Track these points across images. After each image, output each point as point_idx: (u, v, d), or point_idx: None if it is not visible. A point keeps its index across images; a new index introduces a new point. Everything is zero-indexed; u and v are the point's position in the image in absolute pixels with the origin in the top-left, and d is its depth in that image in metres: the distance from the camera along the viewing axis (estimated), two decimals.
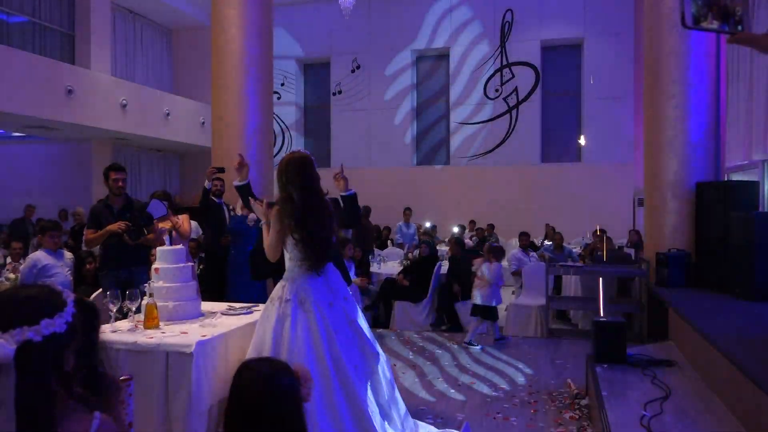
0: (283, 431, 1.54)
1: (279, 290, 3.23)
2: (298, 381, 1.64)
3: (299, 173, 3.18)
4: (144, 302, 3.29)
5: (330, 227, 3.23)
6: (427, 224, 12.46)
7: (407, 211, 11.88)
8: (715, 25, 0.97)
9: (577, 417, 4.24)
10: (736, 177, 10.00)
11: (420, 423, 3.72)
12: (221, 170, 6.44)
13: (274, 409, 1.53)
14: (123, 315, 3.44)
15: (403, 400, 4.22)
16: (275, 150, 14.24)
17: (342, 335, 3.15)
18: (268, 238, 3.24)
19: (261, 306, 3.89)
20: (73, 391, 1.30)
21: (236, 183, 3.86)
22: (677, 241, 6.43)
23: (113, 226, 4.79)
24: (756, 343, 3.59)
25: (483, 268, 6.49)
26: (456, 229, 11.70)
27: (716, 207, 5.99)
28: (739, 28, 0.98)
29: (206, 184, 6.38)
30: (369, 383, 3.21)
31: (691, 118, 6.44)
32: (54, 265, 5.46)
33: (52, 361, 1.24)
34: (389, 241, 11.59)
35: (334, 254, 3.36)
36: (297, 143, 15.34)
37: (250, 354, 3.14)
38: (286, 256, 3.26)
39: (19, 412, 1.17)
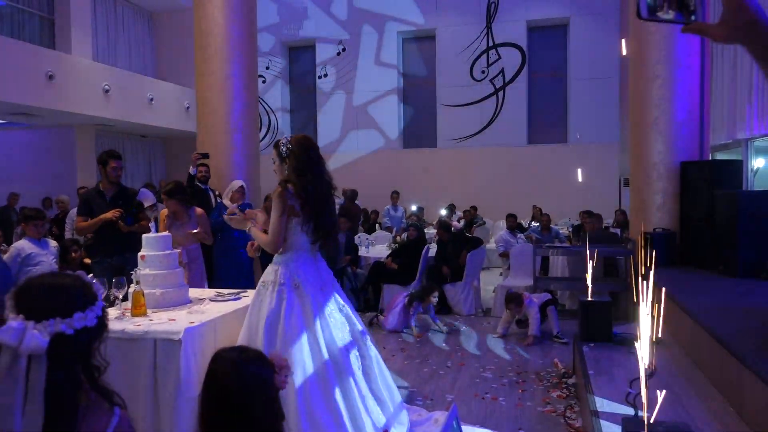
0: (254, 419, 1.56)
1: (271, 274, 3.23)
2: (273, 369, 1.65)
3: (316, 149, 3.25)
4: (131, 290, 3.28)
5: (334, 210, 3.30)
6: (413, 207, 12.48)
7: (395, 195, 11.88)
8: (670, 15, 0.98)
9: (564, 396, 4.30)
10: (720, 155, 10.10)
11: (410, 407, 3.75)
12: (205, 156, 6.39)
13: (244, 397, 1.56)
14: (110, 303, 3.42)
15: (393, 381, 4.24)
16: (261, 134, 14.16)
17: (334, 319, 3.19)
18: (263, 234, 3.25)
19: (249, 292, 3.89)
20: (97, 384, 1.30)
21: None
22: (663, 221, 6.49)
23: (107, 215, 4.74)
24: (738, 319, 3.65)
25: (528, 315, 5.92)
26: (444, 212, 11.73)
27: (701, 186, 6.05)
28: (693, 18, 0.98)
29: (191, 170, 6.33)
30: (360, 368, 3.23)
31: (676, 98, 6.46)
32: (38, 254, 5.39)
33: (81, 353, 1.25)
34: (377, 225, 11.59)
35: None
36: (283, 127, 15.23)
37: (240, 340, 3.15)
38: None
39: (47, 402, 1.18)
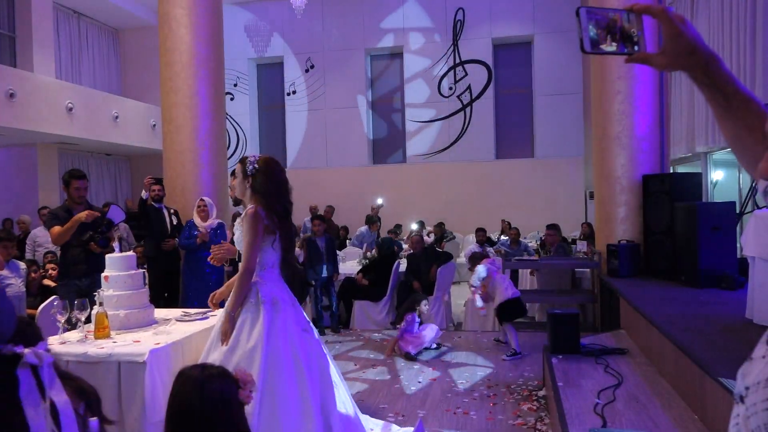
0: None
1: (253, 295, 3.16)
2: (237, 385, 1.66)
3: (282, 171, 3.24)
4: (94, 311, 3.21)
5: (292, 230, 3.29)
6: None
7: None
8: (613, 47, 1.03)
9: (535, 408, 4.33)
10: (680, 168, 10.38)
11: (383, 423, 3.74)
12: (159, 181, 6.37)
13: (207, 414, 1.57)
14: (72, 325, 3.34)
15: (365, 398, 4.23)
16: (229, 152, 14.06)
17: (309, 333, 3.19)
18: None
19: (217, 311, 3.83)
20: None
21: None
22: (627, 233, 6.63)
23: (82, 215, 4.63)
24: (699, 328, 3.74)
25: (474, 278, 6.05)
26: (414, 226, 11.76)
27: (662, 198, 6.21)
28: (636, 48, 1.04)
29: (143, 194, 6.27)
30: (329, 383, 3.22)
31: (637, 112, 6.64)
32: (7, 276, 5.25)
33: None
34: (347, 241, 11.58)
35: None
36: (251, 144, 15.15)
37: (217, 358, 3.09)
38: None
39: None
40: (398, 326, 6.15)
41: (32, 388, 1.49)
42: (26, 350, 1.50)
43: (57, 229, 4.73)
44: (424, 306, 6.18)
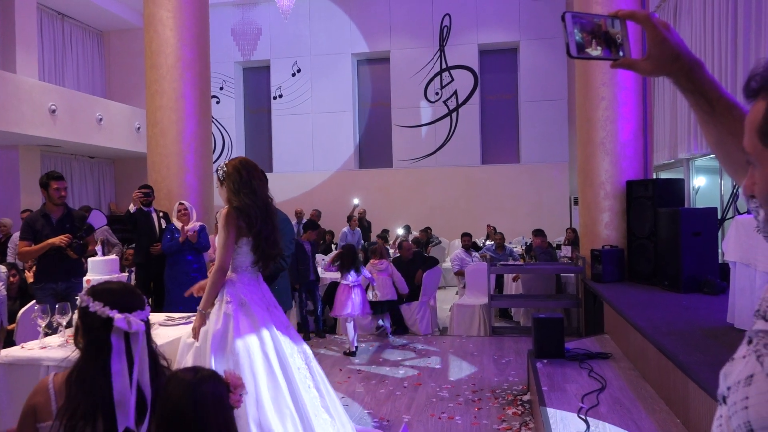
0: None
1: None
2: (227, 388, 1.65)
3: (257, 169, 3.26)
4: (75, 316, 3.16)
5: (274, 230, 3.24)
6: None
7: (353, 219, 11.89)
8: (598, 51, 1.05)
9: (519, 413, 4.34)
10: (663, 174, 10.49)
11: (366, 429, 3.73)
12: (148, 193, 6.30)
13: (198, 417, 1.56)
14: (53, 330, 3.29)
15: (350, 404, 4.21)
16: (215, 156, 13.99)
17: (285, 337, 3.16)
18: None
19: None
20: None
21: None
22: (610, 238, 6.69)
23: (56, 240, 4.56)
24: (682, 333, 3.78)
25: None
26: (401, 231, 11.78)
27: (645, 204, 6.27)
28: (621, 53, 1.06)
29: (131, 207, 6.20)
30: (313, 385, 3.21)
31: (621, 119, 6.71)
32: None
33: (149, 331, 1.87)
34: (333, 246, 11.55)
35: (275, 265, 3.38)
36: (237, 148, 15.09)
37: (192, 359, 3.08)
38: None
39: (151, 360, 1.82)
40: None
41: (121, 353, 1.71)
42: (118, 315, 1.73)
43: (25, 248, 4.64)
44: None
